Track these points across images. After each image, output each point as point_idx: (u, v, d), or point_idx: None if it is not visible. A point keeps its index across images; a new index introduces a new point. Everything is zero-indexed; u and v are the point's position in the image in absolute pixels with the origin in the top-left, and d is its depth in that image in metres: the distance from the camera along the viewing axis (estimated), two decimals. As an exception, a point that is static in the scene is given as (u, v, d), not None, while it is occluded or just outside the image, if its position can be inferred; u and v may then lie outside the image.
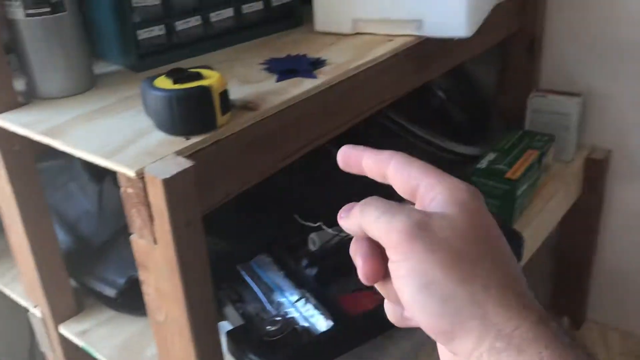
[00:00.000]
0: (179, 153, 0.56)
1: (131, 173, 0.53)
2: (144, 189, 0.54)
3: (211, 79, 0.59)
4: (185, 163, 0.54)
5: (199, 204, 0.56)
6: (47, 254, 0.77)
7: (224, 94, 0.60)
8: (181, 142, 0.58)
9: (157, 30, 0.78)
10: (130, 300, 0.78)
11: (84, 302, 0.84)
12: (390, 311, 0.35)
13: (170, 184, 0.52)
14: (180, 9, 0.79)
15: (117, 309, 0.81)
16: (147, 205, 0.55)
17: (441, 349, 0.33)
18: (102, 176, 0.86)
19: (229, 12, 0.84)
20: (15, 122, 0.66)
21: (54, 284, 0.79)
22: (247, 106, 0.64)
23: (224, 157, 0.60)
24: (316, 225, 0.80)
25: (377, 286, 0.34)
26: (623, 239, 1.22)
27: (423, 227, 0.30)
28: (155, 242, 0.56)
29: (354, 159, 0.36)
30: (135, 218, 0.57)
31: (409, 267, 0.30)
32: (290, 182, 0.87)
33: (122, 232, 0.84)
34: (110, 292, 0.79)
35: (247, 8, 0.86)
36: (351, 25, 0.85)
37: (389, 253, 0.31)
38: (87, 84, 0.73)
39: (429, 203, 0.32)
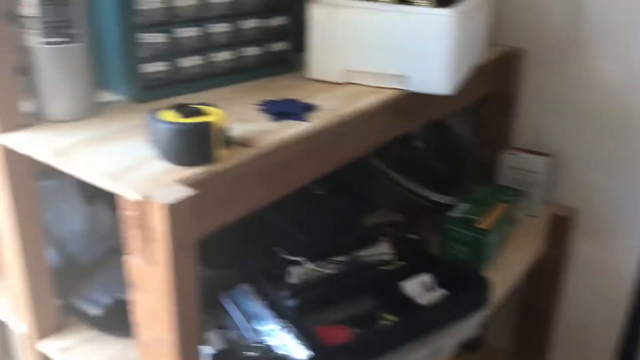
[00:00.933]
0: (180, 182, 0.60)
1: (136, 196, 0.58)
2: (145, 213, 0.58)
3: (214, 115, 0.64)
4: (187, 191, 0.58)
5: (196, 230, 0.60)
6: (37, 271, 0.80)
7: (225, 130, 0.65)
8: (182, 172, 0.62)
9: (161, 66, 0.83)
10: (114, 320, 0.81)
11: (66, 321, 0.86)
12: None
13: (173, 210, 0.56)
14: (185, 48, 0.84)
15: (100, 328, 0.83)
16: (147, 228, 0.58)
17: None
18: (94, 199, 0.89)
19: (228, 54, 0.90)
20: (22, 143, 0.70)
21: (40, 301, 0.81)
22: (243, 143, 0.69)
23: (221, 188, 0.65)
24: (297, 259, 0.84)
25: None
26: (585, 294, 1.29)
27: None
28: (150, 263, 0.60)
29: None
30: (133, 239, 0.60)
31: None
32: (275, 216, 0.91)
33: (110, 254, 0.87)
34: (95, 311, 0.81)
35: (245, 52, 0.92)
36: (342, 75, 0.92)
37: None
38: (92, 111, 0.77)
39: None
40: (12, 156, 0.72)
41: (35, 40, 0.71)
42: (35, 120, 0.74)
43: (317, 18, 0.90)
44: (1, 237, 0.79)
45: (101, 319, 0.82)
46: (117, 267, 0.83)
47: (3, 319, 0.87)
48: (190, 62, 0.86)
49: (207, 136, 0.62)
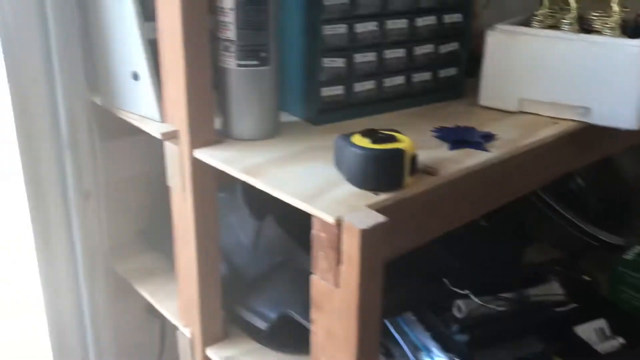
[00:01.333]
0: (371, 206, 0.60)
1: (330, 219, 0.58)
2: (337, 235, 0.59)
3: (404, 142, 0.64)
4: (379, 217, 0.58)
5: (382, 255, 0.60)
6: (210, 279, 0.83)
7: (414, 158, 0.64)
8: (371, 197, 0.62)
9: (339, 89, 0.85)
10: (278, 335, 0.83)
11: (229, 330, 0.89)
12: None
13: (366, 235, 0.56)
14: (361, 73, 0.86)
15: (263, 342, 0.85)
16: (337, 250, 0.59)
17: None
18: (262, 214, 0.92)
19: (400, 80, 0.90)
20: (214, 158, 0.73)
21: (209, 309, 0.85)
22: (427, 170, 0.68)
23: (406, 215, 0.64)
24: (464, 292, 0.82)
25: None
26: None
27: None
28: (337, 285, 0.60)
29: None
30: (322, 260, 0.61)
31: None
32: (438, 245, 0.89)
33: (275, 269, 0.90)
34: (260, 324, 0.84)
35: (416, 77, 0.92)
36: (517, 104, 0.89)
37: None
38: (274, 131, 0.80)
39: None
40: (202, 169, 0.76)
41: (229, 61, 0.75)
42: (222, 137, 0.78)
43: (494, 45, 0.88)
44: (181, 244, 0.83)
45: (267, 332, 0.84)
46: (284, 282, 0.86)
47: (173, 322, 0.92)
48: (364, 86, 0.87)
49: (400, 163, 0.62)
